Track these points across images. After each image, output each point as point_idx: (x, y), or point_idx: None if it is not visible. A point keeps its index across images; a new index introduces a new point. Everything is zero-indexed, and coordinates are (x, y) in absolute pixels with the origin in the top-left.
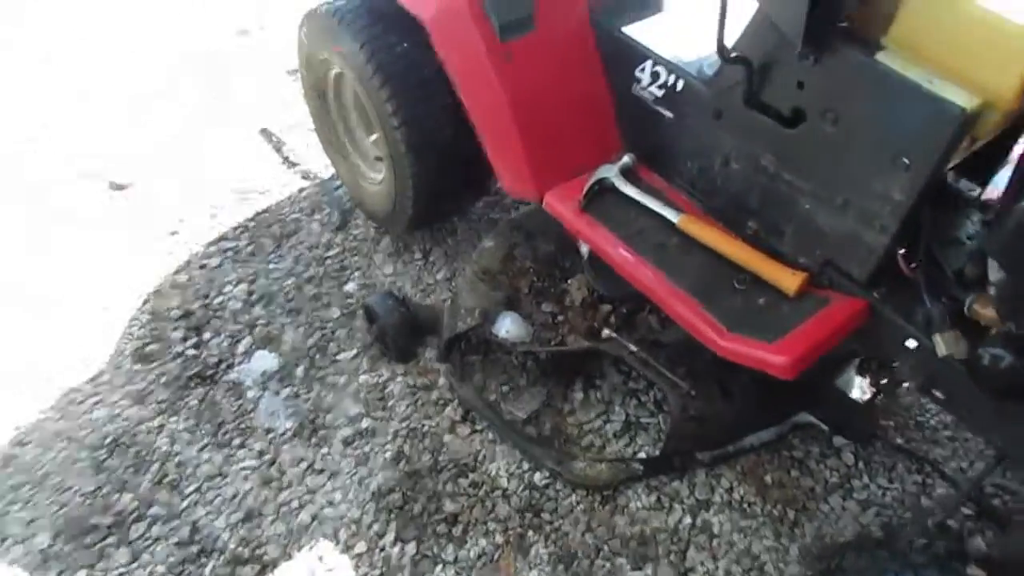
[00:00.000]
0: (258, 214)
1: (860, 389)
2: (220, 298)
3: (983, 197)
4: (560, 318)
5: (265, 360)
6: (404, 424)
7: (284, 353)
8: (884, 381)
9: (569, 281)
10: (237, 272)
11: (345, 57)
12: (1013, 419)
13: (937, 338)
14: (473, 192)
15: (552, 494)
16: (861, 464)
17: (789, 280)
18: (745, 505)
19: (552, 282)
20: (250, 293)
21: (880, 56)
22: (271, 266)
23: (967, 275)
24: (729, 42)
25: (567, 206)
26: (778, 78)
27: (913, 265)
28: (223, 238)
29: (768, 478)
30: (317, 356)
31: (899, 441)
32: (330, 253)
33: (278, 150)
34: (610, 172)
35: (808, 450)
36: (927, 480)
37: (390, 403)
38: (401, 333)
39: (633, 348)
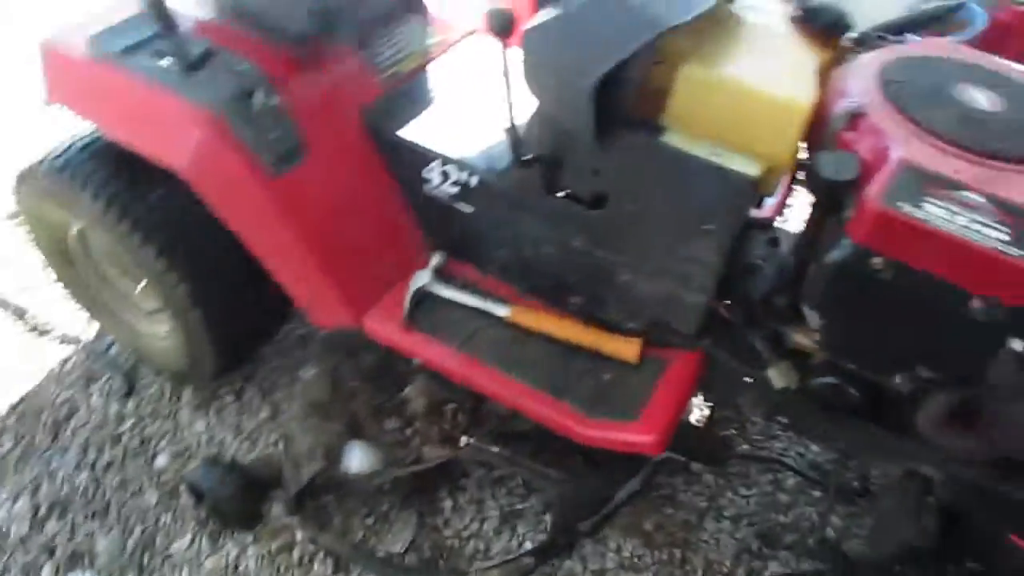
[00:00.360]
0: (19, 403)
1: (698, 411)
2: None
3: (761, 216)
4: (408, 431)
5: None
6: None
7: (102, 567)
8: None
9: (406, 389)
10: (10, 484)
11: (89, 215)
12: (851, 430)
13: (770, 372)
14: (277, 322)
15: None
16: (721, 481)
17: (627, 349)
18: (636, 559)
19: (389, 395)
20: (36, 507)
21: (666, 137)
22: (54, 464)
23: (777, 305)
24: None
25: (390, 327)
26: (573, 168)
27: (727, 303)
28: None
29: (647, 524)
30: (145, 557)
31: (744, 447)
32: (124, 427)
33: (20, 318)
34: (425, 279)
35: (672, 483)
36: (778, 476)
37: None
38: (238, 501)
39: (495, 450)
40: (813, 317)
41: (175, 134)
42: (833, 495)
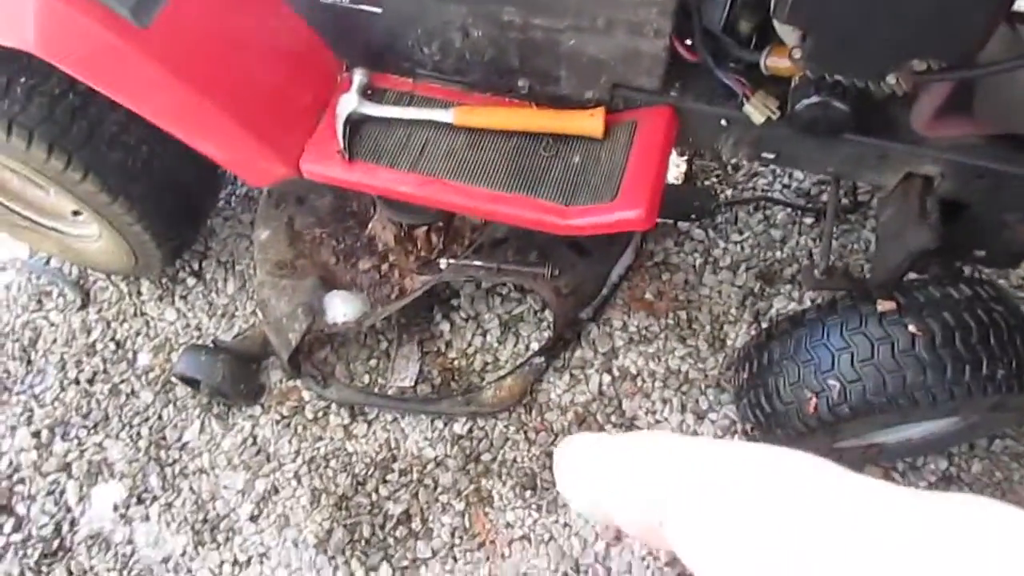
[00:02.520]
0: None
1: (675, 168)
2: (3, 462)
3: None
4: (384, 267)
5: (108, 492)
6: (299, 460)
7: (123, 473)
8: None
9: (371, 224)
10: (1, 420)
11: None
12: (842, 147)
13: (748, 108)
14: (213, 190)
15: (479, 434)
16: (712, 233)
17: (591, 124)
18: (643, 331)
19: (354, 235)
20: (36, 434)
21: None
22: (37, 389)
23: (743, 32)
24: None
25: (331, 165)
26: None
27: (688, 43)
28: None
29: (648, 295)
30: (162, 453)
31: (728, 192)
32: (94, 336)
33: None
34: (353, 102)
35: (664, 248)
36: (767, 213)
37: (271, 449)
38: (234, 380)
39: (478, 264)
40: (788, 33)
41: (11, 10)
42: (832, 216)
